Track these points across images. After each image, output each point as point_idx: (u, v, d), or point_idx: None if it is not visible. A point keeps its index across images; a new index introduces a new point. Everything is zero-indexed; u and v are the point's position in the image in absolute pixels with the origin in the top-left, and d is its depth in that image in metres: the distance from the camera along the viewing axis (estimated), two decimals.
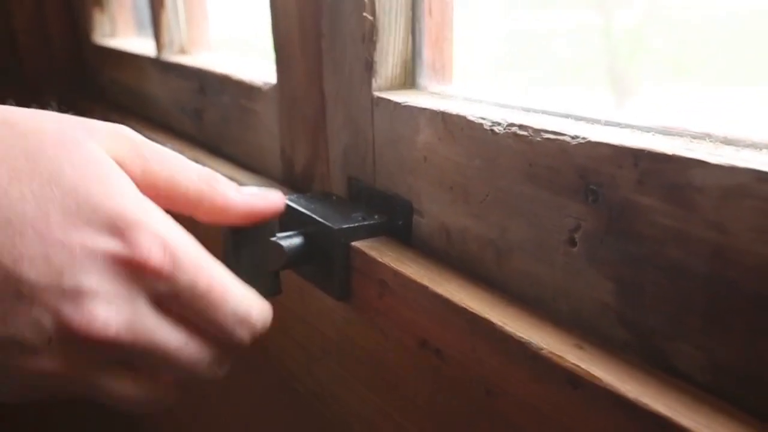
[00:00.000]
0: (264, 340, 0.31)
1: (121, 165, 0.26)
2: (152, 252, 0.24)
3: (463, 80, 0.36)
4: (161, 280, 0.25)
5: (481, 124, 0.30)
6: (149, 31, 0.68)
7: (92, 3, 0.84)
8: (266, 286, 0.34)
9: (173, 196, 0.28)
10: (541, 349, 0.25)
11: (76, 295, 0.23)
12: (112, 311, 0.24)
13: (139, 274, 0.24)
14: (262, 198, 0.31)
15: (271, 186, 0.45)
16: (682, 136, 0.25)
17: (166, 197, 0.28)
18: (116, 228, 0.24)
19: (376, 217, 0.35)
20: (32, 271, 0.22)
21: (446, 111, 0.32)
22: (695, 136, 0.24)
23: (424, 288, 0.30)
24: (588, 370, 0.23)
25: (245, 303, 0.28)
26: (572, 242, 0.27)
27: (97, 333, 0.23)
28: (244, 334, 0.28)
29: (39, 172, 0.24)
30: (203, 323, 0.27)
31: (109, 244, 0.24)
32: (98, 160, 0.25)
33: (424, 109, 0.33)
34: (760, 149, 0.22)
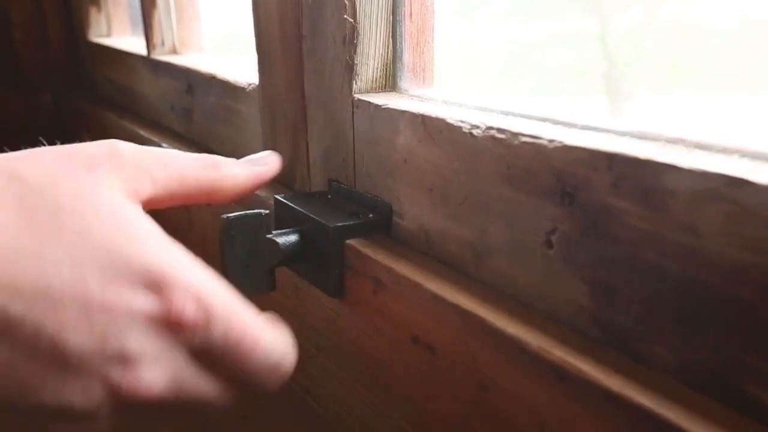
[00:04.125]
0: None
1: (134, 192, 0.26)
2: (186, 307, 0.23)
3: (459, 86, 0.35)
4: (196, 335, 0.24)
5: (460, 127, 0.29)
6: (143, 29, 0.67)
7: (89, 1, 0.83)
8: (260, 283, 0.34)
9: (189, 193, 0.28)
10: (530, 344, 0.25)
11: (121, 359, 0.22)
12: (157, 371, 0.23)
13: (176, 331, 0.24)
14: (263, 164, 0.32)
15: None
16: (656, 140, 0.24)
17: (183, 196, 0.28)
18: (151, 282, 0.23)
19: (370, 215, 0.34)
20: (77, 339, 0.21)
21: (426, 114, 0.31)
22: (669, 141, 0.24)
23: (418, 285, 0.30)
24: (574, 364, 0.24)
25: (277, 351, 0.27)
26: (549, 245, 0.26)
27: (145, 394, 0.23)
28: (274, 383, 0.27)
29: (67, 231, 0.22)
30: (237, 372, 0.26)
31: (147, 303, 0.23)
32: (120, 208, 0.24)
33: (404, 111, 0.32)
34: (731, 154, 0.22)
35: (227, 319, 0.25)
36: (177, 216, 0.57)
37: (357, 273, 0.33)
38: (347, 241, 0.33)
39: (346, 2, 0.34)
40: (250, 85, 0.46)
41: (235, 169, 0.30)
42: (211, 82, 0.51)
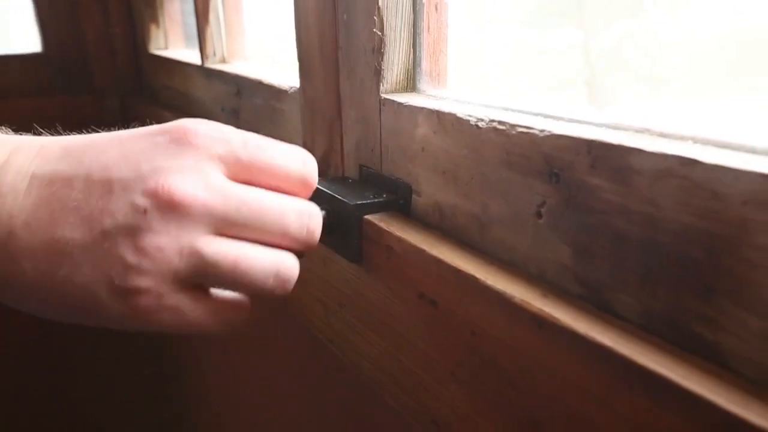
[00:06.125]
0: (289, 297, 0.33)
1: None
2: (202, 131, 0.27)
3: (468, 88, 0.38)
4: (213, 146, 0.27)
5: (468, 120, 0.32)
6: (195, 43, 0.70)
7: (150, 20, 0.87)
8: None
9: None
10: (514, 298, 0.27)
11: (153, 174, 0.26)
12: (185, 177, 0.26)
13: (199, 146, 0.27)
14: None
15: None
16: (627, 130, 0.26)
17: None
18: (172, 136, 0.27)
19: (384, 195, 0.37)
20: (116, 170, 0.26)
21: (440, 110, 0.33)
22: (638, 131, 0.26)
23: (423, 251, 0.32)
24: (550, 313, 0.25)
25: (296, 148, 0.30)
26: (539, 215, 0.29)
27: (179, 195, 0.26)
28: (306, 176, 0.30)
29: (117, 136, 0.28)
30: (271, 173, 0.28)
31: (167, 136, 0.27)
32: None
33: (422, 108, 0.35)
34: (686, 140, 0.24)
35: (240, 133, 0.28)
36: None
37: (373, 242, 0.36)
38: (365, 217, 0.36)
39: (375, 18, 0.36)
40: (291, 88, 0.49)
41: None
42: (258, 86, 0.54)
